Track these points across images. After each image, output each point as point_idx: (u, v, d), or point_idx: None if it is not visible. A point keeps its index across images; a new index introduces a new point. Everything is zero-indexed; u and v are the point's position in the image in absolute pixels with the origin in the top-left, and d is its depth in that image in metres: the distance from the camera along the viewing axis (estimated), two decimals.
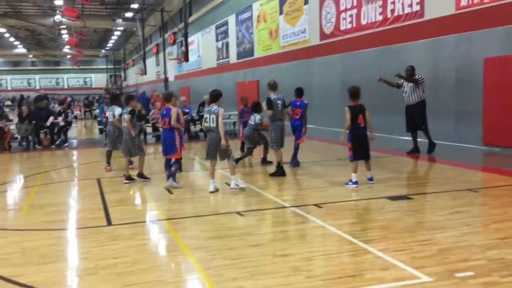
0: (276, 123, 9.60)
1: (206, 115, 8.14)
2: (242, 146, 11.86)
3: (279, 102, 9.62)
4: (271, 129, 9.67)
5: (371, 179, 8.26)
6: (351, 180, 8.18)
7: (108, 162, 10.85)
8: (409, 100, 11.21)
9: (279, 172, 9.36)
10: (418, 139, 11.43)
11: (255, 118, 10.34)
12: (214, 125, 8.01)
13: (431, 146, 11.20)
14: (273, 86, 9.74)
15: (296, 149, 10.44)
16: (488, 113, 11.25)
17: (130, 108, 9.30)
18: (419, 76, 11.13)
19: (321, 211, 6.66)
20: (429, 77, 12.80)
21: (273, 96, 9.65)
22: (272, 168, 9.76)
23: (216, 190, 8.10)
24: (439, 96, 11.74)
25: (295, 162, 10.41)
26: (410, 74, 11.21)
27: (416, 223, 5.98)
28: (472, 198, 7.17)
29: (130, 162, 9.70)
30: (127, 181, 9.23)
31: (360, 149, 8.17)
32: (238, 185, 8.16)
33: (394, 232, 5.56)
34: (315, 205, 6.94)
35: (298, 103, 10.22)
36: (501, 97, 10.83)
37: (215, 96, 8.18)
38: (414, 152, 11.30)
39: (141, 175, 9.35)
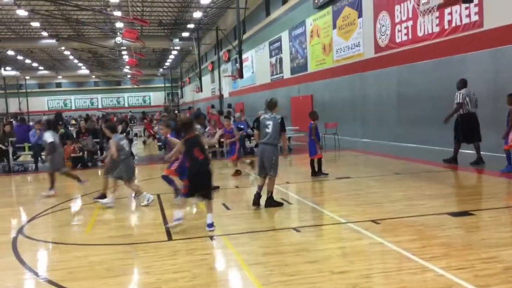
0: (260, 146, 8.51)
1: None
2: (314, 165, 11.33)
3: (269, 123, 8.23)
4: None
5: (211, 224, 6.86)
6: (177, 219, 6.90)
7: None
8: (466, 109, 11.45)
9: (269, 203, 8.34)
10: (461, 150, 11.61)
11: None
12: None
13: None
14: (268, 105, 8.41)
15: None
16: None
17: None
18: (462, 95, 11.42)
19: (379, 227, 6.58)
20: (489, 88, 12.42)
21: (264, 115, 8.42)
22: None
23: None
24: (500, 107, 11.32)
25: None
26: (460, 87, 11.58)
27: (479, 240, 5.79)
28: None
29: None
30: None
31: (197, 186, 6.89)
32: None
33: (456, 249, 5.42)
34: (372, 221, 6.85)
35: None
36: None
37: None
38: (478, 163, 11.22)
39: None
